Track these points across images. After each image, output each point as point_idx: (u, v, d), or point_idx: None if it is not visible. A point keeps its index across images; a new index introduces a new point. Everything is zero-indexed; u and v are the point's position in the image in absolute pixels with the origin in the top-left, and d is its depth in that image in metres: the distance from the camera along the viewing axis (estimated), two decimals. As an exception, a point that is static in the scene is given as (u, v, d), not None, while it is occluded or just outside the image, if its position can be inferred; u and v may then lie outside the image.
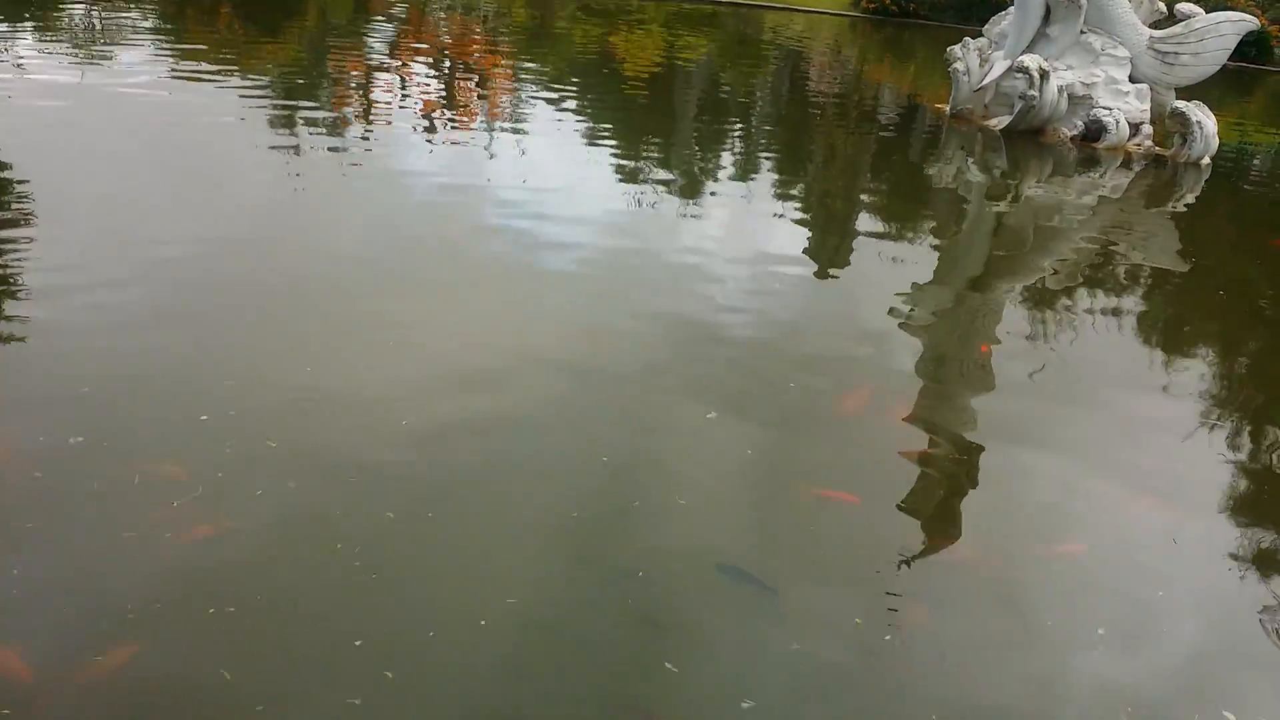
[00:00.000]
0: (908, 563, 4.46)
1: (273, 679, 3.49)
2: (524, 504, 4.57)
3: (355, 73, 14.77)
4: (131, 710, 3.33)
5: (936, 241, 10.02)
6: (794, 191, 11.57)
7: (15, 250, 6.66)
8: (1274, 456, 5.90)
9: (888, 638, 3.99)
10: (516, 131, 12.44)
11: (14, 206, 7.50)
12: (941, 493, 5.17)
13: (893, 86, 20.33)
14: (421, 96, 13.95)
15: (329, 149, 10.34)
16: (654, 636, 3.87)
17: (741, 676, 3.73)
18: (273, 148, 10.10)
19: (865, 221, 10.64)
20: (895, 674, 3.82)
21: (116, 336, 5.65)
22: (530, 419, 5.29)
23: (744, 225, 9.81)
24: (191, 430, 4.78)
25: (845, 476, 5.14)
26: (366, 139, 11.08)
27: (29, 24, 14.99)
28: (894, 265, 8.91)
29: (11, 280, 6.23)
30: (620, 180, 10.78)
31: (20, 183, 8.09)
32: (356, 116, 12.11)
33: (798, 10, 27.93)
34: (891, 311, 7.48)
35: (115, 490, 4.31)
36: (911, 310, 7.62)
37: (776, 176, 12.33)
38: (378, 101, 13.15)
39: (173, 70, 13.29)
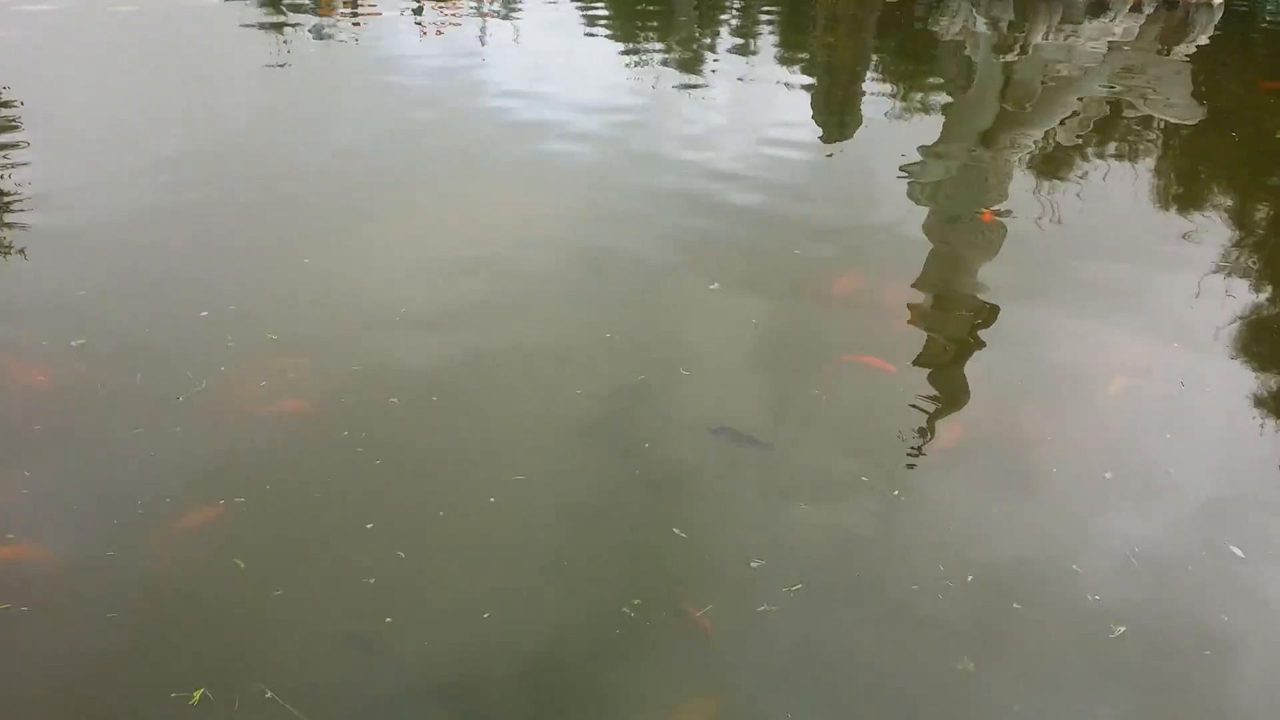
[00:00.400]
0: (922, 430, 4.46)
1: (287, 564, 3.56)
2: (527, 384, 4.58)
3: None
4: (149, 603, 3.40)
5: (944, 100, 9.77)
6: (798, 58, 11.27)
7: (5, 155, 6.60)
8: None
9: (895, 493, 4.01)
10: (509, 14, 12.10)
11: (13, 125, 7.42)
12: (951, 355, 5.13)
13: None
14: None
15: (317, 39, 10.10)
16: (662, 503, 3.91)
17: (749, 538, 3.77)
18: (261, 42, 9.89)
19: (871, 84, 10.38)
20: (903, 530, 3.85)
21: (111, 238, 5.63)
22: (532, 300, 5.27)
23: (747, 96, 9.59)
24: (192, 327, 4.79)
25: (855, 344, 5.11)
26: (357, 28, 10.81)
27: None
28: (901, 127, 8.72)
29: (3, 187, 6.19)
30: (618, 58, 10.52)
31: (6, 96, 7.97)
32: (346, 4, 11.80)
33: None
34: (899, 175, 7.34)
35: (119, 390, 4.34)
36: (919, 173, 7.48)
37: (779, 44, 12.00)
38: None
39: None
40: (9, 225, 5.76)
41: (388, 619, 3.36)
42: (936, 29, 12.83)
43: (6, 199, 6.06)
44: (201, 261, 5.41)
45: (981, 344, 5.20)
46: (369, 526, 3.71)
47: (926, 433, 4.44)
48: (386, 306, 5.08)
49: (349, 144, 7.37)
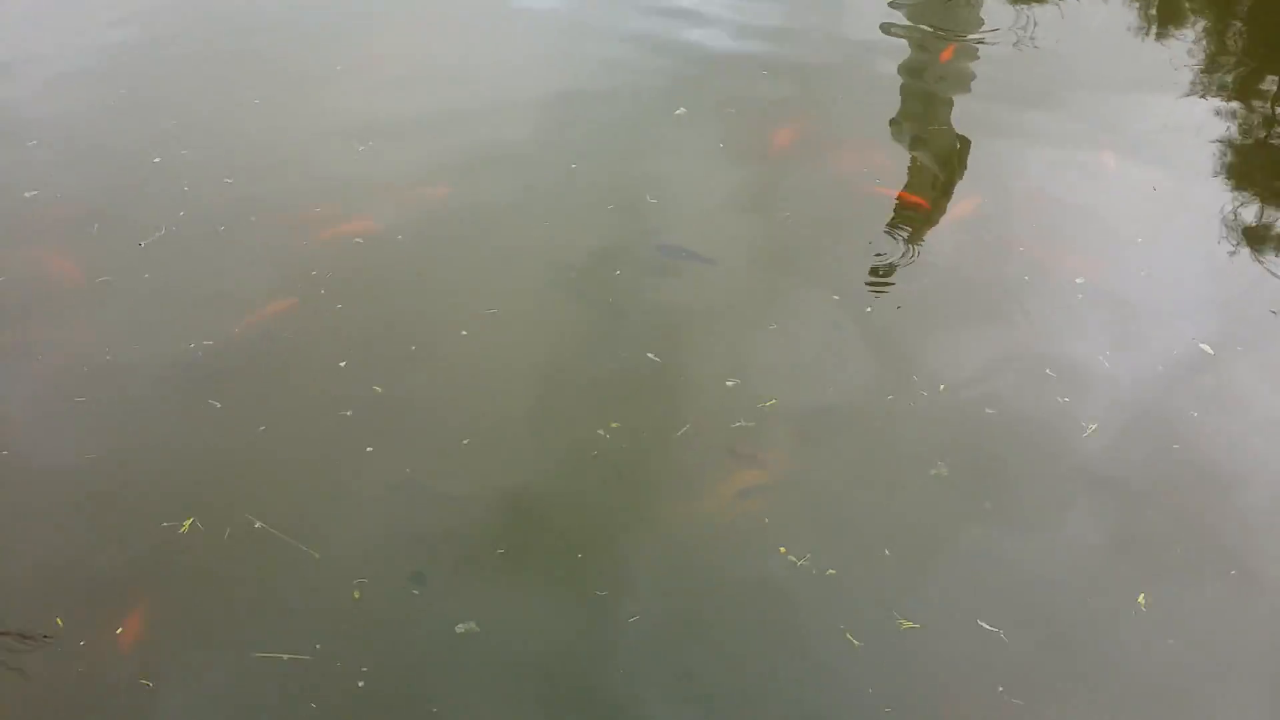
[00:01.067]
0: (894, 256, 4.41)
1: (264, 405, 3.55)
2: (496, 222, 4.48)
3: None
4: (123, 445, 3.41)
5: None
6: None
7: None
8: (1264, 124, 5.73)
9: (868, 310, 4.01)
10: None
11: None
12: (928, 181, 5.07)
13: None
14: None
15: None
16: (630, 329, 3.90)
17: (724, 357, 3.78)
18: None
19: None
20: (874, 345, 3.87)
21: (59, 89, 5.39)
22: (500, 143, 5.10)
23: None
24: (145, 173, 4.65)
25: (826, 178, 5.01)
26: None
27: None
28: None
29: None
30: None
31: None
32: None
33: None
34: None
35: (76, 237, 4.24)
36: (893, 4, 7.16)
37: None
38: None
39: None
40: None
41: (368, 449, 3.39)
42: None
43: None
44: (151, 109, 5.20)
45: (959, 172, 5.12)
46: (342, 364, 3.69)
47: (904, 252, 4.41)
48: (351, 154, 4.90)
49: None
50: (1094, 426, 3.53)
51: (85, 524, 3.15)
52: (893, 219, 4.61)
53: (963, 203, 4.79)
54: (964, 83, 6.07)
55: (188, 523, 3.14)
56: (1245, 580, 3.08)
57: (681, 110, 5.33)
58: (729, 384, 3.66)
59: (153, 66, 5.67)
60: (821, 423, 3.54)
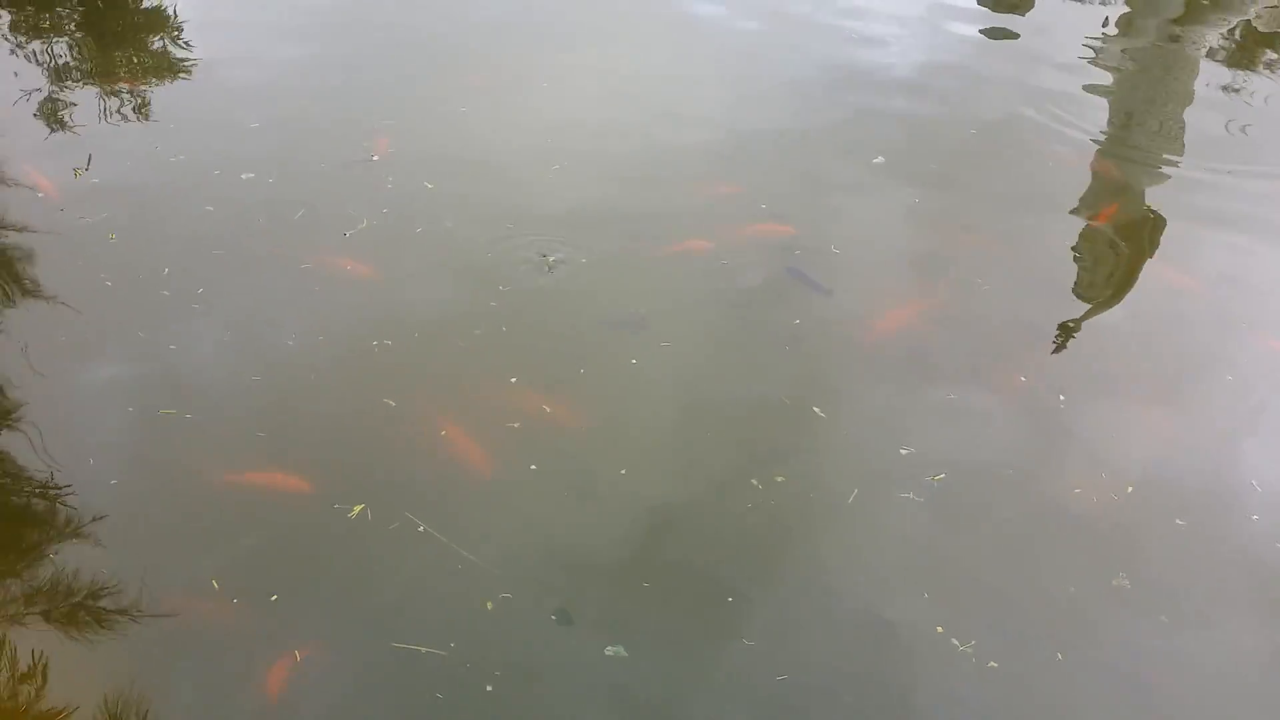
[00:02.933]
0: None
1: (438, 408, 3.63)
2: (675, 256, 4.51)
3: None
4: (296, 428, 3.54)
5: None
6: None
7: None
8: None
9: (1061, 398, 3.87)
10: None
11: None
12: (1114, 253, 4.89)
13: None
14: None
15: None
16: (798, 374, 3.86)
17: (896, 421, 3.71)
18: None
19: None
20: (1060, 432, 3.73)
21: (282, 76, 5.67)
22: (678, 167, 5.15)
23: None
24: (357, 167, 4.83)
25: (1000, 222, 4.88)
26: None
27: None
28: (1082, 5, 8.09)
29: (176, 21, 6.30)
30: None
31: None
32: None
33: None
34: (1078, 62, 6.84)
35: (283, 221, 4.44)
36: (1099, 60, 6.96)
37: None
38: None
39: None
40: (187, 57, 5.88)
41: (531, 466, 3.43)
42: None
43: (179, 28, 6.20)
44: (364, 107, 5.42)
45: (1151, 250, 4.92)
46: (513, 380, 3.73)
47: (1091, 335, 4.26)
48: (537, 167, 5.01)
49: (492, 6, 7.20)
50: (1293, 553, 3.32)
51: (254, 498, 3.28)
52: (1085, 300, 4.46)
53: (1158, 283, 4.60)
54: (1173, 149, 5.84)
55: (357, 509, 3.23)
56: None
57: (880, 159, 5.25)
58: (902, 451, 3.58)
59: (371, 64, 5.93)
60: (995, 510, 3.42)
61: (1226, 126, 6.04)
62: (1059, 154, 5.59)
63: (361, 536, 3.15)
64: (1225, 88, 6.57)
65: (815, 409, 3.71)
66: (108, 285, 4.05)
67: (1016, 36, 7.31)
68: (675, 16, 7.06)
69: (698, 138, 5.39)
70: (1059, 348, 4.14)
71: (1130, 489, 3.49)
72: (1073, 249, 4.80)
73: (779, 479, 3.43)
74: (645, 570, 3.13)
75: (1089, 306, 4.42)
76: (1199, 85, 6.66)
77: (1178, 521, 3.39)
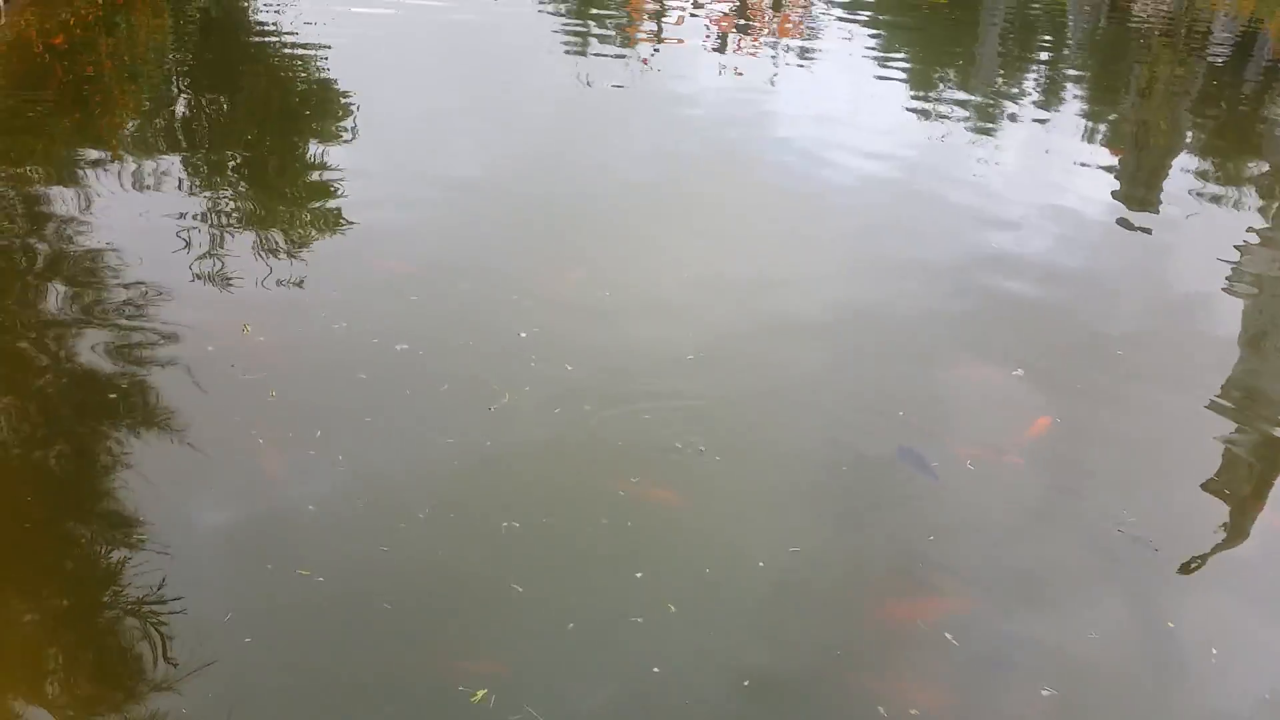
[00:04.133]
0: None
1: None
2: (792, 442, 4.60)
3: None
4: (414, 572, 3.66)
5: (1269, 195, 9.02)
6: (1102, 127, 10.72)
7: (335, 152, 7.27)
8: None
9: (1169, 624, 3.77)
10: (805, 53, 12.18)
11: (334, 109, 8.15)
12: (1248, 474, 4.80)
13: (1231, 15, 18.17)
14: (713, 13, 13.89)
15: (626, 66, 10.53)
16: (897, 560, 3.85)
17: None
18: (571, 61, 10.43)
19: (1184, 166, 9.70)
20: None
21: (440, 249, 6.07)
22: (799, 352, 5.32)
23: (1042, 163, 9.23)
24: (505, 346, 5.10)
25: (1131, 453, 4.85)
26: (656, 54, 11.19)
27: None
28: (1213, 220, 8.12)
29: (336, 188, 6.81)
30: (910, 108, 10.38)
31: (343, 88, 8.74)
32: (653, 34, 12.24)
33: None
34: (1209, 275, 6.85)
35: (429, 393, 4.69)
36: (1233, 275, 6.95)
37: (1084, 108, 11.45)
38: (671, 20, 13.20)
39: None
40: (346, 225, 6.35)
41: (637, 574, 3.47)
42: (1271, 115, 11.84)
43: (338, 194, 6.72)
44: (507, 282, 5.75)
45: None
46: (638, 575, 3.82)
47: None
48: (673, 345, 5.23)
49: (638, 174, 7.66)
50: None
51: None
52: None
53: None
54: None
55: (480, 694, 3.30)
56: None
57: (1020, 372, 5.30)
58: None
59: (522, 243, 6.32)
60: None
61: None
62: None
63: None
64: None
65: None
66: (260, 442, 4.31)
67: (1149, 232, 7.44)
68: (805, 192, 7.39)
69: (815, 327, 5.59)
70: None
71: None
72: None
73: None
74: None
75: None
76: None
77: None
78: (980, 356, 5.52)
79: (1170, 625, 3.83)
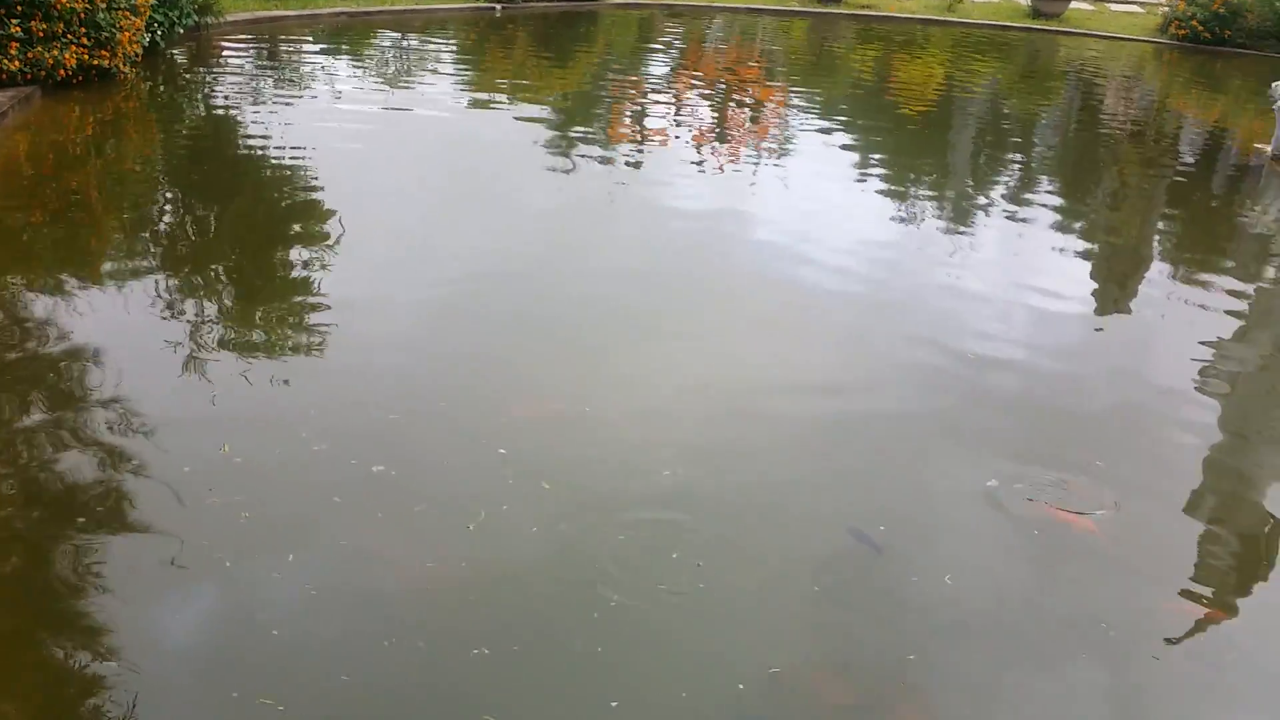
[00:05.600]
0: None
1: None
2: (772, 542, 4.57)
3: (634, 98, 15.25)
4: None
5: (1240, 295, 9.12)
6: (1074, 230, 10.92)
7: (317, 268, 7.36)
8: None
9: None
10: (783, 159, 12.45)
11: (316, 225, 8.26)
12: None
13: (1198, 120, 18.71)
14: (694, 124, 14.22)
15: (605, 174, 10.74)
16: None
17: None
18: (551, 170, 10.64)
19: (1156, 268, 9.86)
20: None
21: (421, 364, 6.09)
22: (783, 459, 5.32)
23: (1017, 266, 9.37)
24: (483, 462, 5.07)
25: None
26: (638, 165, 11.42)
27: (344, 53, 16.39)
28: (1186, 320, 8.24)
29: (316, 302, 6.86)
30: (886, 214, 10.59)
31: (326, 205, 8.87)
32: (632, 142, 12.51)
33: (1097, 35, 25.90)
34: (1184, 372, 6.93)
35: (401, 522, 4.64)
36: (1209, 372, 7.03)
37: (1056, 213, 11.67)
38: (651, 129, 13.51)
39: (469, 98, 14.17)
40: (318, 337, 6.38)
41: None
42: (1245, 218, 12.06)
43: (312, 301, 6.77)
44: (485, 394, 5.77)
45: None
46: (614, 704, 3.75)
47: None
48: (650, 456, 5.21)
49: (613, 277, 7.77)
50: None
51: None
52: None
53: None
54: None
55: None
56: None
57: (993, 483, 5.30)
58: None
59: (502, 356, 6.35)
60: None
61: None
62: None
63: None
64: None
65: None
66: (226, 566, 4.25)
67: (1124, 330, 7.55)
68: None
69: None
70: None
71: None
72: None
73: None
74: None
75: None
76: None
77: None
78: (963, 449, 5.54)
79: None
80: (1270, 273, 10.08)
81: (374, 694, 3.69)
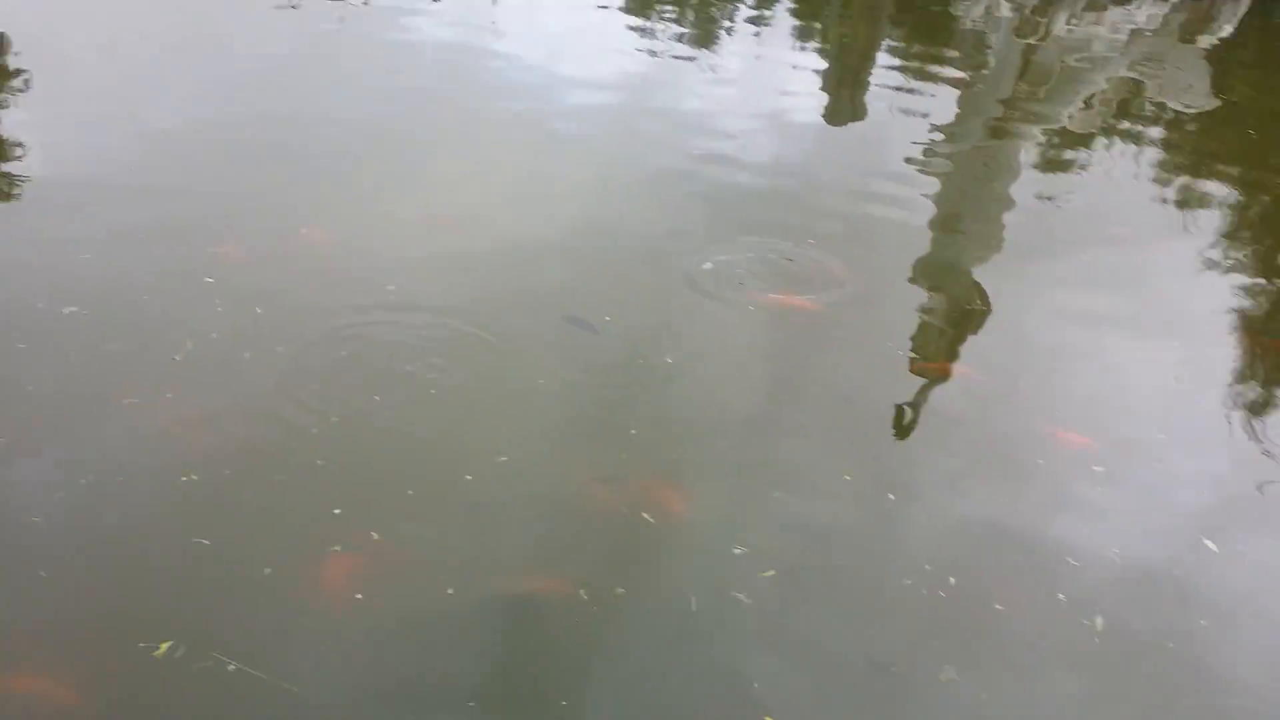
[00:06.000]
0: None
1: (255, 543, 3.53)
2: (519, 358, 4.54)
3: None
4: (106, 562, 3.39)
5: (958, 86, 9.57)
6: (809, 39, 11.12)
7: (15, 111, 6.60)
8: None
9: (890, 497, 3.97)
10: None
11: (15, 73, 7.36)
12: (943, 345, 5.11)
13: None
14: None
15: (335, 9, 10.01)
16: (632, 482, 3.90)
17: (726, 522, 3.75)
18: (278, 8, 9.83)
19: (884, 66, 10.18)
20: (885, 527, 3.82)
21: (117, 204, 5.55)
22: (510, 268, 5.27)
23: (757, 76, 9.48)
24: (190, 293, 4.74)
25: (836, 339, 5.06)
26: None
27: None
28: (912, 112, 8.58)
29: (12, 146, 6.15)
30: (629, 31, 10.41)
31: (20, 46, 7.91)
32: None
33: None
34: (908, 161, 7.24)
35: (107, 352, 4.31)
36: (927, 159, 7.37)
37: (793, 23, 11.84)
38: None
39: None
40: (20, 179, 5.74)
41: (357, 595, 3.34)
42: (958, 13, 12.61)
43: (16, 153, 6.07)
44: (199, 229, 5.34)
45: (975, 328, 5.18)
46: (336, 511, 3.64)
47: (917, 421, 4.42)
48: (369, 287, 4.99)
49: (350, 107, 7.31)
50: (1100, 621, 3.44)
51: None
52: (916, 387, 4.64)
53: (979, 369, 4.83)
54: (993, 246, 6.18)
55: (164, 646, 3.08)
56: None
57: (709, 265, 5.39)
58: (735, 551, 3.61)
59: (211, 179, 5.90)
60: (819, 612, 3.47)
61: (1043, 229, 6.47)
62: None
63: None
64: (1039, 194, 6.99)
65: (646, 515, 3.73)
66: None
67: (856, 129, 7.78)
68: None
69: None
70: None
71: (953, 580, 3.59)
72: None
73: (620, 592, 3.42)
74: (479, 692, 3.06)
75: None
76: (1017, 189, 7.07)
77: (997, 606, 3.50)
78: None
79: (891, 497, 4.00)
80: (985, 60, 10.59)
81: (79, 526, 3.46)
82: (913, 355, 4.92)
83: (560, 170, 6.66)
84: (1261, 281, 6.00)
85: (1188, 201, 7.18)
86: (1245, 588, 3.70)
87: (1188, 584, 3.68)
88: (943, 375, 4.80)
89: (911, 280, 5.62)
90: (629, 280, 5.31)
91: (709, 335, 4.89)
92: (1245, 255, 6.35)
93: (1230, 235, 6.55)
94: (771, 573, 3.52)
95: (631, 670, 3.18)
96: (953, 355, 5.02)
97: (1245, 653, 3.44)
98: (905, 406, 4.49)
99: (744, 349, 4.83)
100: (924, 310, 5.33)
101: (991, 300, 5.43)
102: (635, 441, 4.10)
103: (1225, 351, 5.21)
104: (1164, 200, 7.26)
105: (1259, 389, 4.95)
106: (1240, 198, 7.27)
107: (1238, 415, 4.67)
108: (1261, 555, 3.86)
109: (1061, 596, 3.54)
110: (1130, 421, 4.55)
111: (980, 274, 5.80)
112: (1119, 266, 5.94)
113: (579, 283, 5.20)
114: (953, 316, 5.37)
